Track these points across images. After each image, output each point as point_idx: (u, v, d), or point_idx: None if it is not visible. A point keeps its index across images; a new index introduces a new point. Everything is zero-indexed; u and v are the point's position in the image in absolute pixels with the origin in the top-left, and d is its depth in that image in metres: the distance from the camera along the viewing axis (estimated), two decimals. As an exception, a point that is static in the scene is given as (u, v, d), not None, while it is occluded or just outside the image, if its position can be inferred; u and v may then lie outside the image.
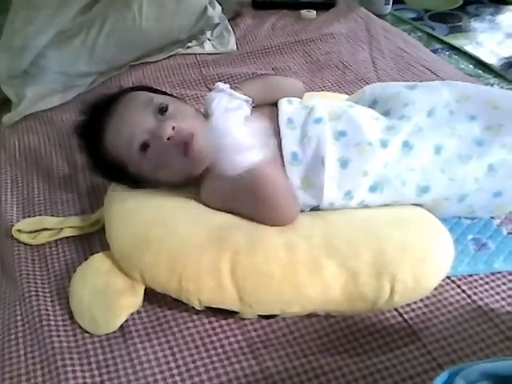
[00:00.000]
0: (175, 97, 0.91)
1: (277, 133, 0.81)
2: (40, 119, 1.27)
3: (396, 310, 0.73)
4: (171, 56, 1.49)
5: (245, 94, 0.86)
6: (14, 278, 0.84)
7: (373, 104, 0.90)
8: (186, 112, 0.83)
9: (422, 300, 0.74)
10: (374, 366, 0.66)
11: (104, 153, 0.82)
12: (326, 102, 0.87)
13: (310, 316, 0.73)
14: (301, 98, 0.94)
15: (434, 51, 1.72)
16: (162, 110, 0.79)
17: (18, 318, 0.77)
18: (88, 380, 0.67)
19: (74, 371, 0.68)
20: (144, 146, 0.78)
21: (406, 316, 0.73)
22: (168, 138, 0.76)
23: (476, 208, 0.83)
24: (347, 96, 1.07)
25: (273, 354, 0.69)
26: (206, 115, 0.86)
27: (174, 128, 0.76)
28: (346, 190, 0.78)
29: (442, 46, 1.88)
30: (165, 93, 0.91)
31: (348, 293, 0.68)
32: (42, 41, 1.29)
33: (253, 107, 0.87)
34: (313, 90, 1.25)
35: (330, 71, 1.38)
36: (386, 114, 0.85)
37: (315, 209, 0.80)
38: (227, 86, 0.88)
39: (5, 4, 1.36)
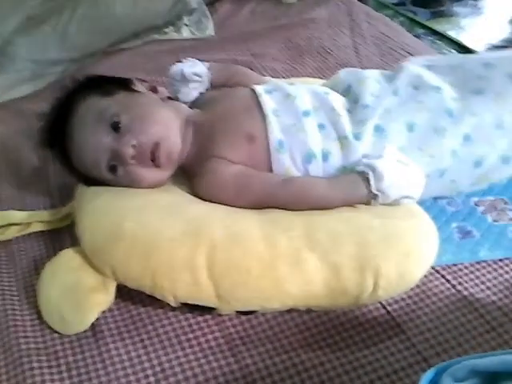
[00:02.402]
0: (129, 83, 0.84)
1: (260, 118, 0.79)
2: (9, 109, 1.22)
3: (379, 302, 0.71)
4: (147, 42, 1.44)
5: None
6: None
7: (347, 88, 0.88)
8: (142, 116, 0.77)
9: (405, 292, 0.71)
10: (357, 360, 0.64)
11: (75, 169, 0.80)
12: (307, 90, 0.85)
13: (290, 310, 0.70)
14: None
15: (417, 36, 1.70)
16: (116, 126, 0.75)
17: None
18: (57, 383, 0.64)
19: (42, 374, 0.64)
20: (112, 168, 0.76)
21: (389, 308, 0.71)
22: (132, 156, 0.73)
23: (459, 182, 0.82)
24: (323, 81, 1.04)
25: (252, 350, 0.67)
26: (173, 91, 0.88)
27: (134, 145, 0.73)
28: None
29: (425, 31, 1.86)
30: (116, 80, 0.84)
31: (330, 288, 0.65)
32: (8, 26, 1.24)
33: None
34: (293, 76, 1.22)
35: (311, 57, 1.35)
36: (356, 100, 0.83)
37: None
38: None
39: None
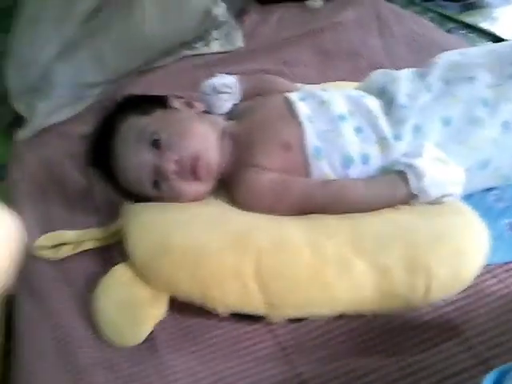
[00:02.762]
0: (166, 100, 0.87)
1: (295, 126, 0.80)
2: (53, 132, 1.26)
3: (431, 304, 0.69)
4: (179, 59, 1.47)
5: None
6: (38, 295, 0.83)
7: (381, 90, 0.87)
8: (180, 132, 0.79)
9: (458, 292, 0.70)
10: (413, 365, 0.63)
11: (120, 186, 0.84)
12: (340, 95, 0.85)
13: (339, 317, 0.69)
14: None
15: (449, 31, 1.67)
16: (157, 144, 0.77)
17: (44, 335, 0.76)
18: (117, 395, 0.66)
19: (101, 387, 0.66)
20: (155, 184, 0.78)
21: (442, 310, 0.69)
22: (174, 172, 0.76)
23: (503, 171, 0.80)
24: (356, 84, 1.04)
25: (304, 358, 0.67)
26: (207, 105, 0.90)
27: (175, 161, 0.76)
28: None
29: (456, 26, 1.82)
30: (152, 99, 0.87)
31: (380, 291, 0.65)
32: (47, 54, 1.28)
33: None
34: (326, 81, 1.21)
35: (342, 61, 1.34)
36: (391, 101, 0.83)
37: None
38: None
39: (8, 23, 1.35)
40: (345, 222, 0.70)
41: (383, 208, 0.72)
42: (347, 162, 0.77)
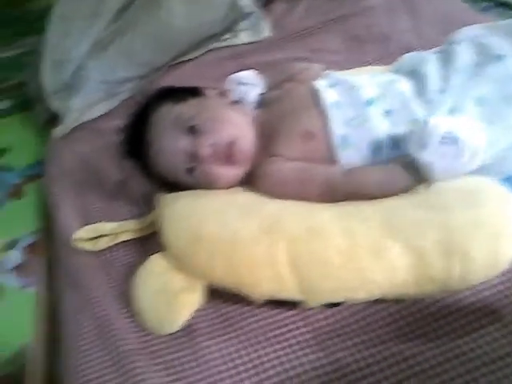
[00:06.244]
0: (200, 90, 0.89)
1: (320, 114, 0.79)
2: (88, 128, 1.30)
3: (469, 288, 0.68)
4: (208, 51, 1.47)
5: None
6: (78, 286, 0.86)
7: (413, 72, 0.86)
8: (216, 117, 0.81)
9: (497, 276, 0.68)
10: (451, 351, 0.62)
11: (154, 175, 0.85)
12: (370, 79, 0.84)
13: (376, 302, 0.69)
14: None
15: (482, 10, 1.61)
16: (193, 129, 0.79)
17: (85, 324, 0.78)
18: (156, 380, 0.68)
19: (142, 373, 0.68)
20: (190, 171, 0.80)
21: (481, 295, 0.67)
22: (209, 156, 0.77)
23: None
24: (387, 68, 1.02)
25: (341, 344, 0.67)
26: (236, 101, 0.89)
27: (211, 145, 0.77)
28: None
29: (490, 4, 1.76)
30: (188, 90, 0.88)
31: (416, 275, 0.64)
32: (79, 52, 1.32)
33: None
34: (355, 67, 1.20)
35: (372, 45, 1.32)
36: (422, 83, 0.81)
37: None
38: None
39: (41, 23, 1.39)
40: (377, 206, 0.70)
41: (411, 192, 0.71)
42: (376, 146, 0.76)
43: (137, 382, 0.67)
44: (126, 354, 0.71)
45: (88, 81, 1.31)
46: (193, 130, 0.79)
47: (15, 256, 1.22)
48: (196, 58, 1.45)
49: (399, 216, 0.67)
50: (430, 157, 0.69)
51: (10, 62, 2.20)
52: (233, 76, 0.97)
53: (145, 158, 0.84)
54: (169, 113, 0.82)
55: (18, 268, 1.20)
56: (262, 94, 0.96)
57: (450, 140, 0.68)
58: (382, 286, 0.66)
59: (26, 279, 1.16)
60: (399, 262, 0.64)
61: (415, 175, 0.71)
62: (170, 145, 0.80)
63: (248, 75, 0.97)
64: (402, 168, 0.72)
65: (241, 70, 1.18)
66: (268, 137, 0.82)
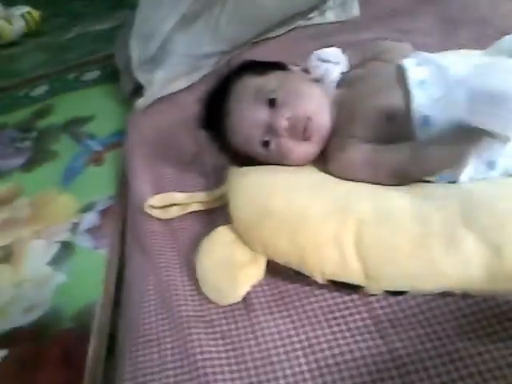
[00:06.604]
0: (283, 65, 0.88)
1: (404, 95, 0.75)
2: (169, 102, 1.34)
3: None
4: (292, 29, 1.45)
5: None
6: (147, 250, 0.89)
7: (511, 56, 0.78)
8: (297, 92, 0.80)
9: None
10: (515, 356, 0.57)
11: (229, 147, 0.86)
12: (463, 60, 0.78)
13: (443, 295, 0.65)
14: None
15: None
16: (273, 101, 0.78)
17: (150, 287, 0.81)
18: (213, 348, 0.68)
19: (199, 339, 0.70)
20: (265, 144, 0.79)
21: None
22: (286, 129, 0.76)
23: None
24: (482, 52, 0.95)
25: (402, 334, 0.64)
26: (317, 78, 0.88)
27: (289, 118, 0.76)
28: (488, 160, 0.68)
29: None
30: (271, 64, 0.88)
31: (491, 271, 0.59)
32: (168, 25, 1.35)
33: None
34: (447, 50, 1.13)
35: (467, 28, 1.23)
36: None
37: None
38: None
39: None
40: (454, 191, 0.65)
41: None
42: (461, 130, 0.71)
43: (193, 348, 0.68)
44: (185, 319, 0.73)
45: (172, 54, 1.35)
46: (273, 103, 0.79)
47: (91, 218, 1.30)
48: (280, 35, 1.44)
49: (478, 206, 0.62)
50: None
51: (100, 35, 2.32)
52: (316, 52, 0.95)
53: (221, 128, 0.85)
54: (251, 84, 0.82)
55: (92, 230, 1.27)
56: (344, 72, 0.93)
57: None
58: (452, 279, 0.62)
59: (99, 241, 1.23)
60: (474, 255, 0.60)
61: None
62: (248, 115, 0.80)
63: (332, 52, 0.94)
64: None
65: (325, 48, 1.17)
66: (346, 117, 0.80)
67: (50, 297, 1.11)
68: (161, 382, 0.67)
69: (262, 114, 0.79)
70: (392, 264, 0.63)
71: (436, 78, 0.75)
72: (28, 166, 1.58)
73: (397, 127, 0.75)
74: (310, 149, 0.79)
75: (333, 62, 0.92)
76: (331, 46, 1.02)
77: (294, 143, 0.78)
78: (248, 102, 0.81)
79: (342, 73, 0.92)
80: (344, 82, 0.91)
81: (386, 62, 0.89)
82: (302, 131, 0.77)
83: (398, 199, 0.67)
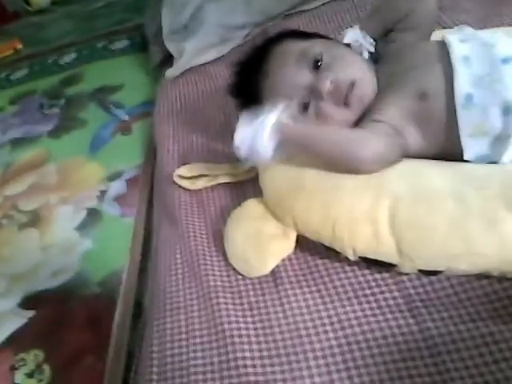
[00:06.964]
0: (326, 37, 0.86)
1: (445, 72, 0.72)
2: (198, 72, 1.32)
3: None
4: (325, 3, 1.41)
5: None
6: (175, 220, 0.89)
7: None
8: (342, 57, 0.78)
9: None
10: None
11: None
12: (506, 37, 0.75)
13: (479, 277, 0.64)
14: (432, 20, 0.86)
15: None
16: (317, 63, 0.76)
17: (178, 256, 0.81)
18: (240, 319, 0.69)
19: (227, 309, 0.70)
20: (304, 106, 0.77)
21: None
22: (328, 92, 0.74)
23: None
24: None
25: (434, 314, 0.63)
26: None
27: (332, 81, 0.74)
28: None
29: None
30: (314, 35, 0.85)
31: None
32: (200, -5, 1.33)
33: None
34: (488, 28, 1.08)
35: (511, 6, 1.18)
36: None
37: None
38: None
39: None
40: (495, 172, 0.63)
41: None
42: (505, 110, 0.68)
43: (220, 317, 0.69)
44: (212, 289, 0.73)
45: (204, 24, 1.33)
46: (317, 66, 0.76)
47: (118, 187, 1.31)
48: (313, 9, 1.40)
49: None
50: None
51: (129, 4, 2.31)
52: (351, 28, 0.92)
53: (257, 90, 0.82)
54: (294, 47, 0.80)
55: (120, 198, 1.28)
56: (379, 48, 0.89)
57: None
58: (490, 261, 0.60)
59: (126, 209, 1.23)
60: (513, 237, 0.58)
61: None
62: (290, 76, 0.78)
63: (355, 35, 0.89)
64: None
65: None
66: (377, 95, 0.77)
67: (77, 262, 1.13)
68: (188, 349, 0.67)
69: (306, 75, 0.77)
70: (427, 243, 0.62)
71: (480, 55, 0.72)
72: (56, 133, 1.59)
73: (430, 107, 0.72)
74: (348, 116, 0.76)
75: (368, 37, 0.89)
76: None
77: (334, 109, 0.76)
78: (291, 63, 0.78)
79: (377, 49, 0.89)
80: (384, 55, 0.88)
81: (414, 30, 0.84)
82: (344, 95, 0.74)
83: (437, 177, 0.65)
